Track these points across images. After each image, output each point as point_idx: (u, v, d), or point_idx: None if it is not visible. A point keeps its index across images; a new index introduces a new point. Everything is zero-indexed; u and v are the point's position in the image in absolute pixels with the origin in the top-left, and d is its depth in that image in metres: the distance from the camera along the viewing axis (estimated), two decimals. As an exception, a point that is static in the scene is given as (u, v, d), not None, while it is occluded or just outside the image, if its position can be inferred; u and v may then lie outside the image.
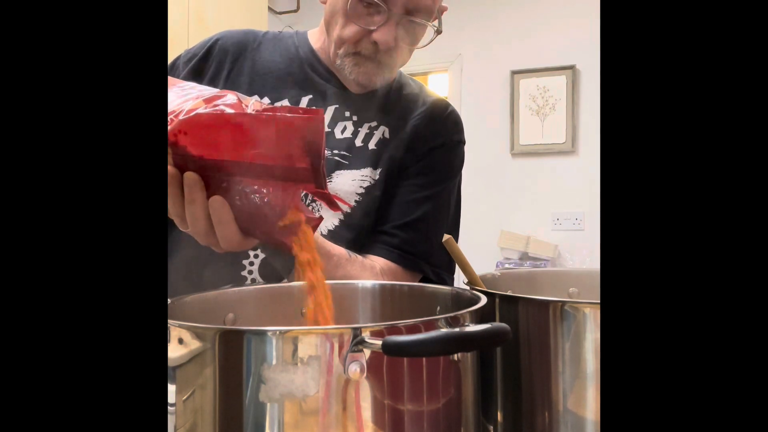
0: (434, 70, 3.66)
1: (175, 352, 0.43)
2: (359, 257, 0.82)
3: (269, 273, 0.84)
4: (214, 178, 0.54)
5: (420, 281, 0.89)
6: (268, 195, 0.53)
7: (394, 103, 0.92)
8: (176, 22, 2.34)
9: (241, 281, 0.83)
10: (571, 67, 3.25)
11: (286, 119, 0.47)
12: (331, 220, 0.85)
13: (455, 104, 3.47)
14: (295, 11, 3.74)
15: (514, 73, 3.36)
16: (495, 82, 3.41)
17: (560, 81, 3.27)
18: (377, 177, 0.87)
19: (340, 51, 0.83)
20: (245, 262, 0.84)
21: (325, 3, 0.86)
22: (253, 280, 0.84)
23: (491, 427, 0.59)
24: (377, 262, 0.84)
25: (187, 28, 2.41)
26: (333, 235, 0.85)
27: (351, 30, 0.80)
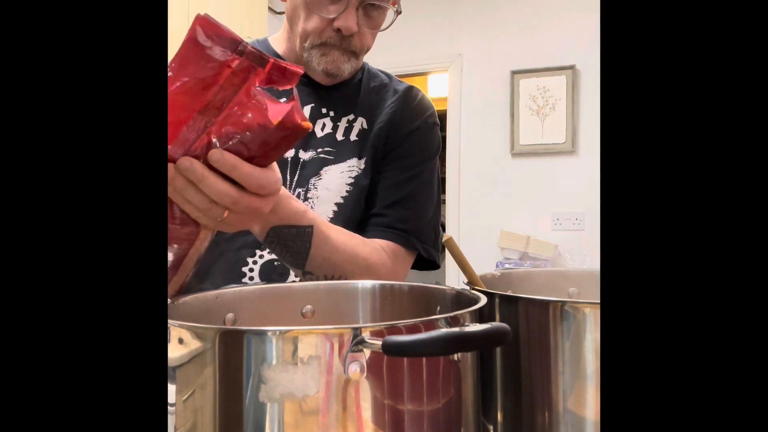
0: (434, 70, 3.66)
1: (175, 352, 0.43)
2: (359, 236, 0.84)
3: (272, 276, 0.85)
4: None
5: (415, 262, 0.92)
6: (238, 115, 0.52)
7: (367, 95, 0.95)
8: (176, 22, 2.34)
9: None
10: (571, 67, 3.25)
11: (188, 41, 0.50)
12: (326, 213, 0.88)
13: (455, 104, 3.48)
14: (295, 11, 3.74)
15: (514, 73, 3.36)
16: (495, 82, 3.41)
17: (560, 81, 3.27)
18: (363, 166, 0.90)
19: (306, 44, 0.85)
20: (245, 269, 0.85)
21: (285, 0, 0.88)
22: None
23: (491, 427, 0.59)
24: (375, 242, 0.86)
25: (187, 28, 2.41)
26: None
27: (313, 21, 0.83)
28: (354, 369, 0.40)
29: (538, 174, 3.32)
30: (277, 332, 0.41)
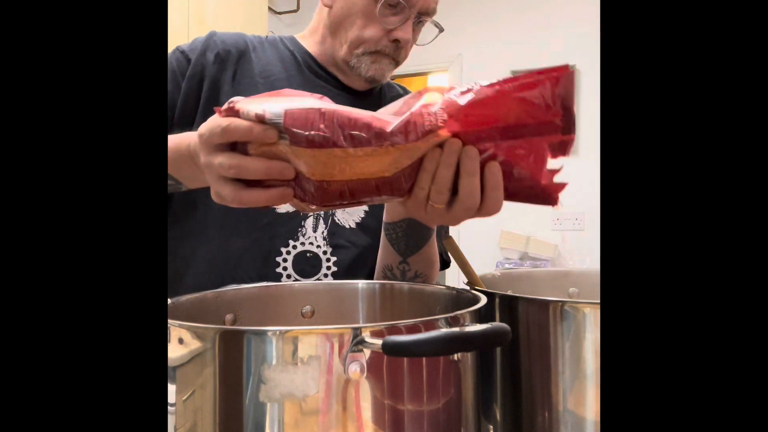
0: (434, 70, 3.66)
1: (175, 352, 0.43)
2: None
3: (304, 268, 0.87)
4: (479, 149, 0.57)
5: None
6: (528, 152, 0.56)
7: (387, 102, 0.98)
8: (176, 22, 2.34)
9: (276, 279, 0.85)
10: (571, 67, 3.25)
11: (551, 78, 0.54)
12: (358, 213, 0.91)
13: (455, 104, 3.48)
14: (295, 11, 3.74)
15: (514, 73, 3.36)
16: (495, 82, 3.41)
17: (560, 81, 3.27)
18: None
19: (358, 50, 0.88)
20: (279, 259, 0.86)
21: (330, 6, 0.88)
22: (288, 276, 0.86)
23: (491, 427, 0.59)
24: None
25: (187, 28, 2.41)
26: (361, 227, 0.90)
27: (372, 30, 0.86)
28: (354, 369, 0.40)
29: (538, 174, 3.32)
30: (277, 332, 0.41)
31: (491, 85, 0.55)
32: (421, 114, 0.53)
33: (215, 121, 0.54)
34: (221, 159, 0.54)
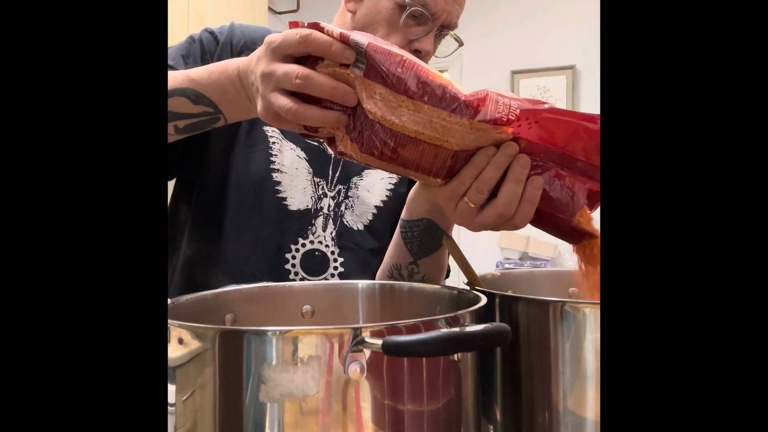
0: (434, 70, 3.66)
1: (175, 352, 0.43)
2: None
3: (311, 266, 0.87)
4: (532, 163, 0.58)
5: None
6: (569, 186, 0.59)
7: None
8: (176, 22, 2.34)
9: (284, 275, 0.86)
10: (571, 67, 3.25)
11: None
12: (366, 216, 0.92)
13: (455, 104, 3.48)
14: (295, 11, 3.74)
15: (514, 73, 3.36)
16: (495, 82, 3.41)
17: (560, 81, 3.27)
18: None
19: None
20: (288, 255, 0.87)
21: (353, 12, 0.88)
22: (296, 274, 0.87)
23: (491, 427, 0.59)
24: None
25: (187, 28, 2.41)
26: (369, 230, 0.91)
27: (395, 39, 0.86)
28: (354, 369, 0.40)
29: (538, 174, 3.32)
30: (277, 332, 0.41)
31: (561, 110, 0.56)
32: (495, 99, 0.54)
33: (291, 31, 0.53)
34: (288, 68, 0.53)
